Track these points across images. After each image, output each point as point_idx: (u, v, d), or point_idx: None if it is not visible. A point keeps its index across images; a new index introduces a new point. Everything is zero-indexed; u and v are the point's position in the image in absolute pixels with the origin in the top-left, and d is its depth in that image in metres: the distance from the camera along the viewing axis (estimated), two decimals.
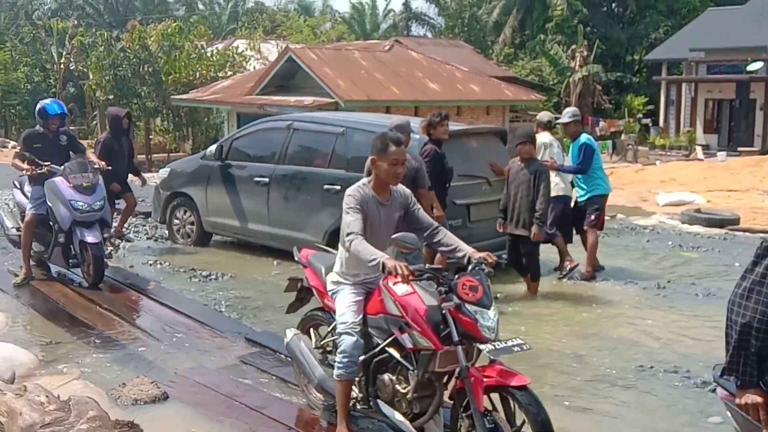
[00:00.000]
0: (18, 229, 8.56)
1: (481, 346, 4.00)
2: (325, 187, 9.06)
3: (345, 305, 4.46)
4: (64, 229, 7.91)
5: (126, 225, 11.11)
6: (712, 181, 18.93)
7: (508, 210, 8.11)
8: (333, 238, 8.93)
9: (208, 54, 29.01)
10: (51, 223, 8.04)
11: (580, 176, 8.88)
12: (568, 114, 9.08)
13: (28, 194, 8.26)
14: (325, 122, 9.73)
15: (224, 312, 7.47)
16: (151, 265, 9.41)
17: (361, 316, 4.44)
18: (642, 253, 10.41)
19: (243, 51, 30.37)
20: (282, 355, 6.11)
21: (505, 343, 3.99)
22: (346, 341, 4.37)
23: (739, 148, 28.84)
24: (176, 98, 25.62)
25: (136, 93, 27.61)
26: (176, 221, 10.81)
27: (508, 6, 42.12)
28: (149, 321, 7.09)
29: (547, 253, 9.02)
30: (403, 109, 21.15)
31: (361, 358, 4.44)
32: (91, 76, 30.08)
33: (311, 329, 5.17)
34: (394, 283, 4.22)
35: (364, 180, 4.55)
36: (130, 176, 10.51)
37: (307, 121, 10.00)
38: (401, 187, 4.59)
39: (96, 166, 8.22)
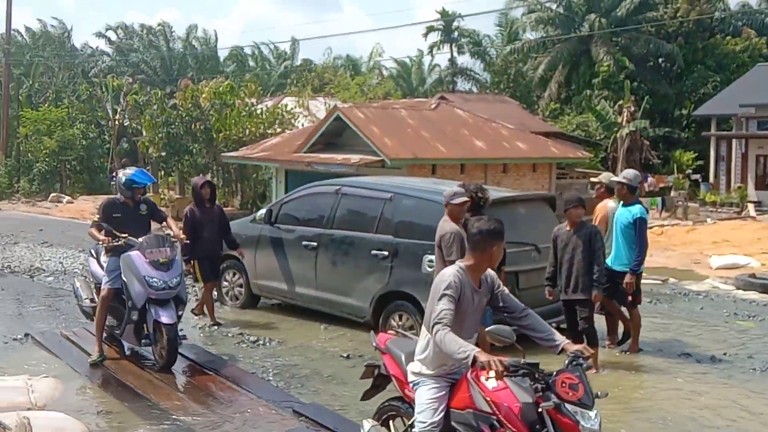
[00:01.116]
0: (92, 301, 8.20)
1: None
2: (373, 252, 9.08)
3: (426, 401, 4.24)
4: (138, 307, 7.50)
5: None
6: (766, 242, 18.49)
7: (560, 276, 7.99)
8: (379, 304, 8.98)
9: (258, 111, 29.58)
10: (124, 298, 7.66)
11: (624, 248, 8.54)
12: (628, 176, 8.76)
13: (104, 265, 7.91)
14: (373, 187, 9.79)
15: (272, 381, 7.46)
16: (200, 328, 9.47)
17: (442, 415, 4.21)
18: (696, 322, 10.16)
19: (292, 108, 30.91)
20: (329, 430, 6.07)
21: None
22: None
23: None
24: (226, 155, 26.10)
25: (188, 150, 28.23)
26: (225, 283, 10.92)
27: (553, 62, 42.31)
28: (199, 390, 7.10)
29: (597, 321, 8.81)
30: (449, 167, 21.24)
31: None
32: (144, 133, 30.86)
33: (390, 420, 4.94)
34: (486, 378, 4.00)
35: (462, 264, 4.35)
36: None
37: (356, 186, 10.08)
38: (488, 270, 4.43)
39: (174, 240, 7.91)
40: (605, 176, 9.39)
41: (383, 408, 4.95)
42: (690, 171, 34.37)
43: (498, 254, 4.31)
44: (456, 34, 49.70)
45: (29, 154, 39.31)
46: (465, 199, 7.61)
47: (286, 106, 31.25)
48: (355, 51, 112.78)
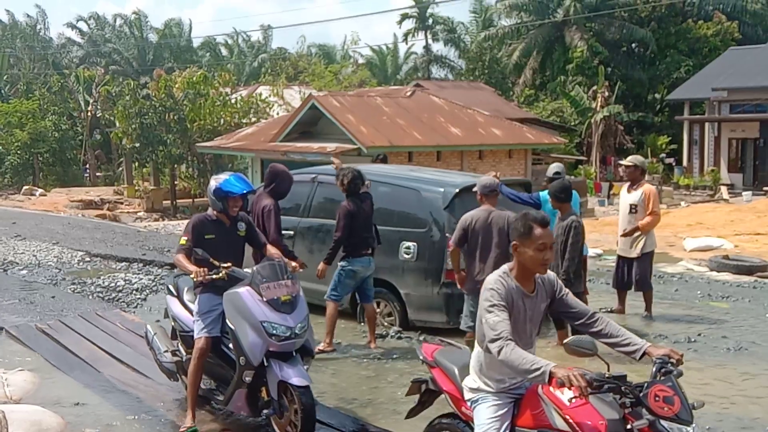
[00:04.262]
0: (174, 353, 6.21)
1: None
2: None
3: (486, 420, 3.83)
4: (255, 364, 5.45)
5: (151, 278, 11.13)
6: (738, 224, 18.72)
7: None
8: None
9: (233, 101, 29.43)
10: (225, 348, 5.77)
11: None
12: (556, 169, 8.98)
13: (190, 305, 6.04)
14: None
15: None
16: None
17: None
18: (671, 304, 10.27)
19: (266, 97, 30.80)
20: None
21: None
22: None
23: (765, 188, 28.58)
24: (201, 145, 25.95)
25: (162, 140, 28.05)
26: None
27: (528, 48, 42.45)
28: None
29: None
30: (425, 154, 21.30)
31: None
32: (117, 124, 30.61)
33: None
34: (573, 397, 3.53)
35: (505, 268, 3.89)
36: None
37: (331, 174, 10.02)
38: (548, 273, 3.94)
39: (291, 268, 5.85)
40: (636, 158, 9.37)
41: (434, 426, 4.48)
42: (664, 155, 34.74)
43: (539, 252, 3.76)
44: (430, 21, 49.68)
45: (0, 147, 38.81)
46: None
47: (260, 95, 31.15)
48: (329, 39, 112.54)
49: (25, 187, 35.14)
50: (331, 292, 8.05)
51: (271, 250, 6.07)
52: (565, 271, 7.59)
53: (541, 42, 42.23)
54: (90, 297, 10.60)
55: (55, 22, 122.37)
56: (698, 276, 12.48)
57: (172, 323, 6.36)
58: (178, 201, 29.38)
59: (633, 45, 42.89)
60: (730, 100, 31.94)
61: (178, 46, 55.70)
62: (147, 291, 10.98)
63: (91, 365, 7.43)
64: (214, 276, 5.56)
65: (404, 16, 49.25)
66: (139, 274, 12.28)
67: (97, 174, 42.14)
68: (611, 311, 9.37)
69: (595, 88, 34.89)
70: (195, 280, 5.54)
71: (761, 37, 39.60)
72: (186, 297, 6.15)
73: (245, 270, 5.73)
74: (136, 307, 10.07)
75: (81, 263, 13.39)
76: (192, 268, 5.55)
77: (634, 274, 9.07)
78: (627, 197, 9.16)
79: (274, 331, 5.39)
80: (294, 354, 5.53)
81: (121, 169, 38.50)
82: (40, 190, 34.55)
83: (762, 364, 7.55)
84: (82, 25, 57.87)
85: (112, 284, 11.35)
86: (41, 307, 9.88)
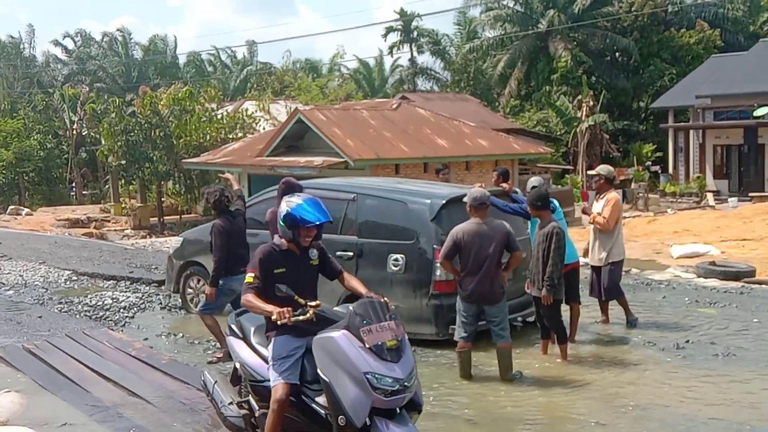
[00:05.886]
0: (241, 406, 5.38)
1: None
2: (338, 253, 9.04)
3: None
4: (358, 425, 4.56)
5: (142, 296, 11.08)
6: (725, 230, 18.82)
7: (528, 271, 8.05)
8: (345, 305, 8.95)
9: (219, 116, 29.41)
10: (306, 399, 4.95)
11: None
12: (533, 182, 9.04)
13: (261, 348, 5.23)
14: (336, 188, 9.78)
15: None
16: (165, 336, 9.37)
17: None
18: (659, 311, 10.29)
19: (253, 112, 30.78)
20: None
21: None
22: None
23: (750, 194, 28.78)
24: (187, 162, 25.89)
25: (148, 157, 27.97)
26: (189, 290, 10.80)
27: (512, 59, 42.67)
28: (162, 397, 7.02)
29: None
30: (412, 167, 21.32)
31: None
32: (103, 142, 30.51)
33: None
34: None
35: None
36: None
37: (318, 188, 10.02)
38: None
39: (383, 300, 4.91)
40: (603, 168, 9.48)
41: None
42: (649, 163, 34.95)
43: None
44: (415, 33, 49.93)
45: None
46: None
47: (246, 110, 31.13)
48: (315, 53, 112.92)
49: (10, 207, 34.89)
50: (204, 306, 8.35)
51: (352, 281, 5.20)
52: (549, 277, 7.62)
53: (525, 53, 42.47)
54: (77, 316, 10.53)
55: (39, 40, 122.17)
56: (686, 282, 12.53)
57: (240, 369, 5.48)
58: (165, 218, 29.30)
59: (616, 54, 43.21)
60: (713, 107, 32.21)
61: (163, 63, 55.70)
62: (135, 309, 10.93)
63: (79, 385, 7.36)
64: (301, 318, 4.75)
65: (389, 29, 49.53)
66: (126, 292, 12.22)
67: (84, 192, 41.96)
68: (597, 322, 9.41)
69: (579, 97, 35.10)
70: (279, 323, 4.73)
71: (743, 44, 39.98)
72: (254, 339, 5.32)
73: (336, 309, 5.13)
74: (123, 325, 10.02)
75: (68, 282, 13.31)
76: (271, 308, 4.75)
77: (602, 282, 9.13)
78: (595, 206, 9.32)
79: (380, 384, 4.51)
80: (401, 412, 4.65)
81: (107, 186, 38.32)
82: (26, 210, 34.33)
83: (751, 370, 7.58)
84: (68, 42, 57.80)
85: (100, 303, 11.28)
86: (28, 327, 9.81)
